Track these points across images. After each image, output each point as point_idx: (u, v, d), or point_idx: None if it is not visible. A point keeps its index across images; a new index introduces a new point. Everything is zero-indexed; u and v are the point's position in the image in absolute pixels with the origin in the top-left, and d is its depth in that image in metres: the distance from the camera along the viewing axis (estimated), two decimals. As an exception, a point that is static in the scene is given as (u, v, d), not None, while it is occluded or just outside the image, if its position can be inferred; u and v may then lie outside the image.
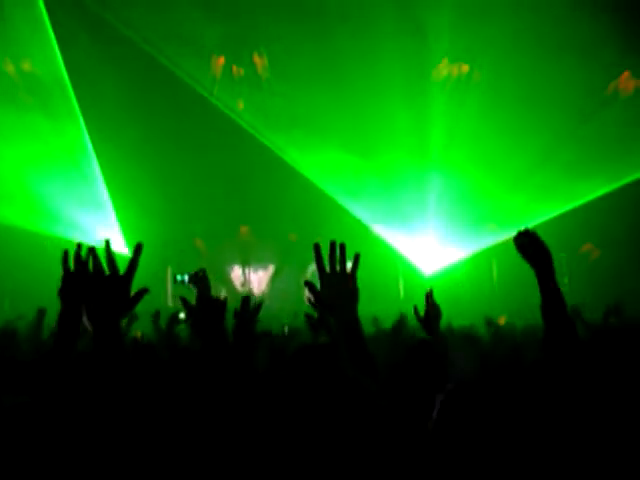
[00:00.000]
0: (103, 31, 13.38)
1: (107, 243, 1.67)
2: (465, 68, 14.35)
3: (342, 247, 1.84)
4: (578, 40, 12.31)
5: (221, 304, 2.04)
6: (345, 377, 1.53)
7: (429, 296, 3.21)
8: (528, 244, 2.14)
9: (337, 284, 1.84)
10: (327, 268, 1.85)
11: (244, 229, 15.35)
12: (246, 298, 2.39)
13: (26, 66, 13.51)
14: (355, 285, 1.86)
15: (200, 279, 2.18)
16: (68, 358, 1.97)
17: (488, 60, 13.51)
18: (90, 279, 1.64)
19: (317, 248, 1.81)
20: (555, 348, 1.99)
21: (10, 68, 13.37)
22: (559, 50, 12.59)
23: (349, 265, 1.87)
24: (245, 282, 15.38)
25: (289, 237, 15.27)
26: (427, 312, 3.17)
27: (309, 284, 1.87)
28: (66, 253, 1.89)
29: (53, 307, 2.12)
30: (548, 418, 1.89)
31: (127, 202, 14.01)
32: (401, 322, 4.29)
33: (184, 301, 2.10)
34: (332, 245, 1.82)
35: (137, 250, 1.67)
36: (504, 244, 13.78)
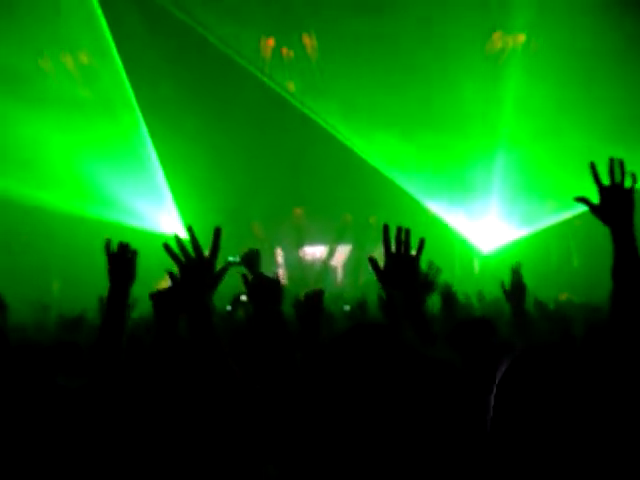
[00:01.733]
0: (154, 16, 13.62)
1: (190, 229, 1.83)
2: (521, 38, 13.85)
3: (407, 232, 1.96)
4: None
5: (276, 284, 2.08)
6: (416, 355, 1.53)
7: (517, 270, 3.27)
8: (616, 198, 1.99)
9: (401, 264, 1.89)
10: (393, 249, 1.92)
11: (298, 211, 15.42)
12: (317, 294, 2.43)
13: (83, 58, 13.91)
14: (418, 266, 1.94)
15: (250, 259, 2.22)
16: (119, 340, 2.07)
17: (545, 27, 12.98)
18: (181, 264, 1.80)
19: (386, 229, 1.90)
20: (624, 314, 1.86)
21: (68, 61, 13.81)
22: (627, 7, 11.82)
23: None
24: (302, 264, 15.49)
25: (344, 218, 15.27)
26: (513, 285, 3.23)
27: (373, 261, 1.94)
28: (108, 242, 2.19)
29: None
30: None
31: (184, 187, 14.30)
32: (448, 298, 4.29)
33: (245, 279, 2.15)
34: (399, 229, 1.96)
35: (217, 233, 1.81)
36: (566, 222, 13.39)
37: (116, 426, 1.92)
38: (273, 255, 15.17)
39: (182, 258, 1.80)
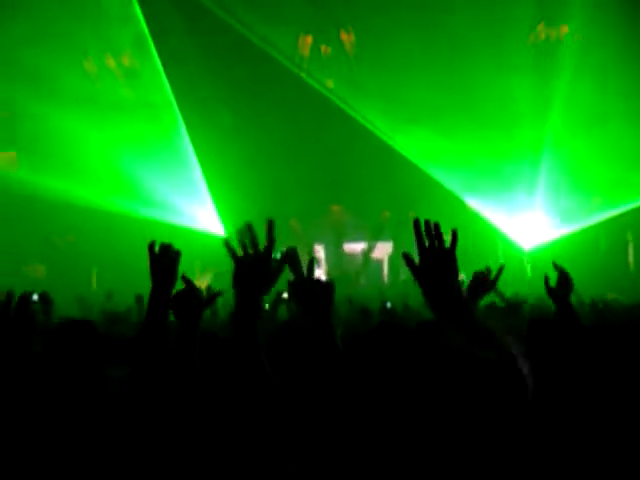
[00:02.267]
0: (192, 15, 13.76)
1: (249, 227, 1.77)
2: (565, 29, 13.49)
3: (436, 225, 1.85)
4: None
5: (327, 286, 2.03)
6: (459, 352, 1.50)
7: (561, 267, 3.00)
8: None
9: (436, 259, 1.83)
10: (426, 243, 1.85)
11: (336, 208, 15.39)
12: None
13: (124, 59, 14.17)
14: (455, 260, 1.84)
15: (291, 257, 2.18)
16: (161, 332, 2.07)
17: (588, 17, 12.60)
18: (237, 259, 1.76)
19: (417, 223, 1.82)
20: None
21: (110, 62, 14.08)
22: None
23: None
24: (339, 261, 15.45)
25: (382, 215, 15.17)
26: (559, 281, 2.94)
27: (407, 257, 1.87)
28: (153, 242, 2.12)
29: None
30: None
31: (222, 184, 14.43)
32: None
33: (289, 283, 2.12)
34: (427, 222, 1.86)
35: (270, 226, 1.76)
36: (611, 221, 13.00)
37: (144, 421, 1.94)
38: (311, 252, 15.18)
39: (240, 254, 1.76)
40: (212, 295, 2.34)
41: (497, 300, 5.43)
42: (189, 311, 2.07)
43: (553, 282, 3.02)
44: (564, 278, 2.97)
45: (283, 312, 4.93)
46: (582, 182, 13.57)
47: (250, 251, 1.77)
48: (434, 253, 1.84)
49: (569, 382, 2.36)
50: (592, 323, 3.69)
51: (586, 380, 2.27)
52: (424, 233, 1.84)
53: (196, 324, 2.06)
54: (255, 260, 1.75)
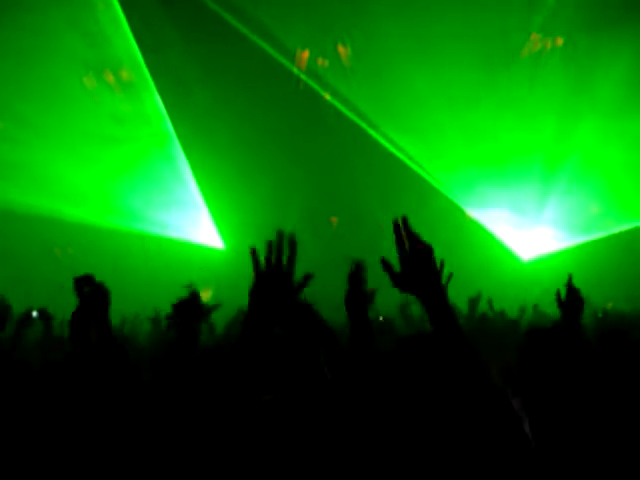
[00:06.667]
0: (186, 24, 13.71)
1: (280, 234, 1.74)
2: (560, 41, 13.51)
3: (404, 221, 1.73)
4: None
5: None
6: (450, 368, 1.48)
7: (570, 281, 3.06)
8: None
9: (416, 262, 1.70)
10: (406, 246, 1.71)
11: (335, 219, 15.32)
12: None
13: (121, 74, 14.11)
14: (434, 262, 1.70)
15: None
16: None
17: (585, 29, 12.65)
18: (260, 274, 1.70)
19: (397, 226, 1.72)
20: None
21: (110, 78, 14.04)
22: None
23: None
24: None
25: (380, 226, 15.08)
26: (569, 297, 3.00)
27: (385, 262, 1.72)
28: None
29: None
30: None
31: (219, 197, 14.37)
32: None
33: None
34: (395, 222, 1.73)
35: (292, 244, 1.73)
36: (616, 236, 12.94)
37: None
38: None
39: (262, 266, 1.70)
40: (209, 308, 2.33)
41: (489, 311, 5.39)
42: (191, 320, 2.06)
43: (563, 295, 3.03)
44: (575, 296, 3.00)
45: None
46: (592, 195, 13.55)
47: (273, 262, 1.70)
48: (413, 255, 1.69)
49: (570, 395, 2.33)
50: (594, 333, 3.67)
51: (589, 393, 2.25)
52: (405, 236, 1.71)
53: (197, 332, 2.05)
54: (276, 277, 1.69)
